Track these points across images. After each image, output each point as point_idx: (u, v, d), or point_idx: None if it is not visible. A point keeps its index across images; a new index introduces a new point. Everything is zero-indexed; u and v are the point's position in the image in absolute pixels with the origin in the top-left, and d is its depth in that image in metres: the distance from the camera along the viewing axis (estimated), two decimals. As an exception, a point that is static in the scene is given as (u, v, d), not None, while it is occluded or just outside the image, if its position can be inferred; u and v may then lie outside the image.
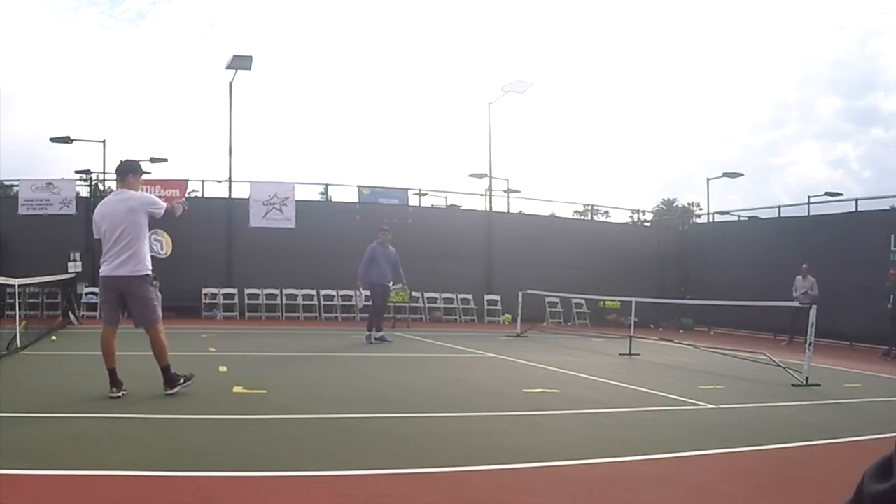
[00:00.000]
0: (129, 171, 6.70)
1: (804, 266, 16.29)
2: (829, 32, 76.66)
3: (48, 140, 21.85)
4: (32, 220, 17.35)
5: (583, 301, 19.68)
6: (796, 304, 13.18)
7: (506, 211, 22.54)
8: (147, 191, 18.12)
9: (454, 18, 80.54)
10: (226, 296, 18.01)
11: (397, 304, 16.91)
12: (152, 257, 6.73)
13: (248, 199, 18.78)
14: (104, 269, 6.42)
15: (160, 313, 6.55)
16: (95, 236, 6.62)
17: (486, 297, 19.97)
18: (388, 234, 12.43)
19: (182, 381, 6.54)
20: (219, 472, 4.02)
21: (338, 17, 79.73)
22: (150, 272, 6.51)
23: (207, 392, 6.77)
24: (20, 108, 67.48)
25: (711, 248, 21.28)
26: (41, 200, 17.62)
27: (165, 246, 7.60)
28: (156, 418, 5.51)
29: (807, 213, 19.75)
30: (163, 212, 6.53)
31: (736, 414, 6.80)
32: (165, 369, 6.45)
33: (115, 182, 8.04)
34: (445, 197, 22.75)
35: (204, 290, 17.86)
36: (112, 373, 6.30)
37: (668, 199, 51.80)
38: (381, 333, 12.17)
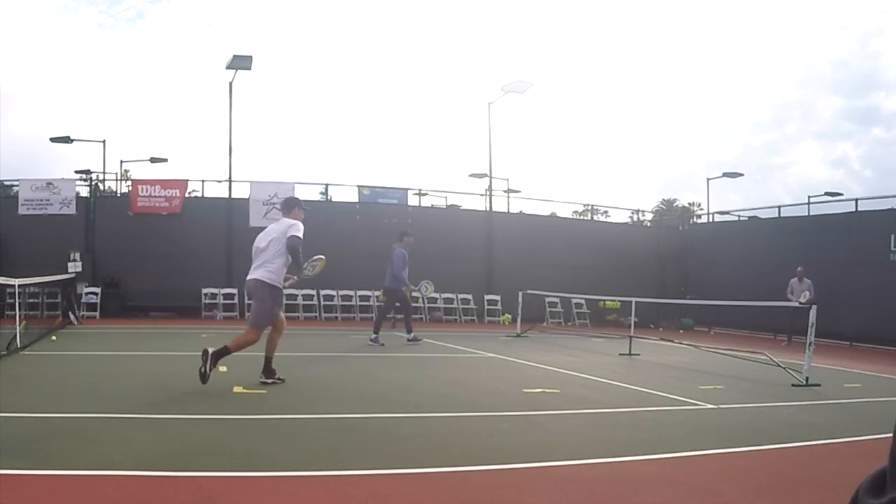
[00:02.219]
0: (293, 206, 7.74)
1: (799, 269, 16.17)
2: (830, 32, 76.69)
3: (48, 140, 21.95)
4: (32, 220, 17.34)
5: (583, 301, 19.68)
6: (796, 303, 13.17)
7: (506, 211, 22.55)
8: (147, 190, 18.34)
9: (454, 18, 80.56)
10: (226, 296, 18.01)
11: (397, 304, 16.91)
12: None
13: (248, 199, 18.77)
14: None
15: (265, 323, 7.28)
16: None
17: (486, 297, 19.96)
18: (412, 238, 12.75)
19: (203, 370, 6.75)
20: (219, 472, 4.02)
21: (338, 17, 79.74)
22: (277, 285, 7.24)
23: (207, 392, 6.76)
24: (20, 108, 67.51)
25: (711, 248, 21.28)
26: (41, 200, 17.62)
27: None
28: (156, 418, 5.51)
29: (807, 213, 19.75)
30: (296, 242, 7.20)
31: (736, 414, 6.80)
32: (221, 352, 6.91)
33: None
34: (445, 197, 22.79)
35: (204, 290, 17.85)
36: (268, 361, 7.23)
37: (668, 199, 51.88)
38: (376, 336, 12.17)
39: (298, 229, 7.28)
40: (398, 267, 12.28)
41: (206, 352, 6.81)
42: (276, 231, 7.36)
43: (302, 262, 7.34)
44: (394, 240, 12.90)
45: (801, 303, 14.36)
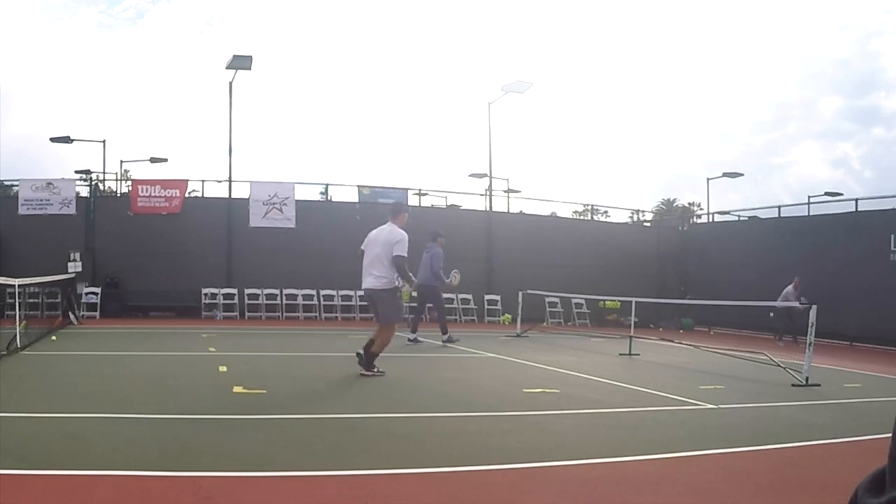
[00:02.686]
0: (399, 210, 8.57)
1: (797, 279, 16.00)
2: (830, 31, 76.61)
3: (48, 140, 21.95)
4: (32, 220, 17.33)
5: (583, 301, 19.67)
6: (796, 304, 13.18)
7: (506, 211, 22.55)
8: (147, 190, 18.32)
9: (454, 18, 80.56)
10: (226, 296, 18.00)
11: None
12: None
13: (248, 199, 18.77)
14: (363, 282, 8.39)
15: (398, 317, 8.51)
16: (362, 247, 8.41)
17: (486, 297, 19.96)
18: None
19: (375, 370, 7.98)
20: (219, 472, 4.02)
21: (338, 16, 79.76)
22: (387, 287, 8.12)
23: (207, 392, 6.77)
24: (20, 107, 67.48)
25: (711, 248, 21.28)
26: (41, 200, 17.61)
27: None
28: (156, 418, 5.51)
29: (807, 213, 19.75)
30: (400, 262, 8.06)
31: (736, 414, 6.80)
32: (371, 354, 8.01)
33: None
34: (445, 197, 22.80)
35: (204, 290, 17.85)
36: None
37: (668, 199, 51.85)
38: (414, 335, 12.55)
39: (403, 247, 8.06)
40: (438, 266, 12.57)
41: (358, 354, 8.01)
42: (381, 240, 8.16)
43: (409, 276, 8.27)
44: (427, 239, 13.02)
45: (802, 302, 14.36)
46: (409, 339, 12.49)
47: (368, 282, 8.24)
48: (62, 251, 16.57)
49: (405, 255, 8.05)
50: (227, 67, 18.46)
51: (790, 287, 16.08)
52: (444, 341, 12.45)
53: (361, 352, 8.03)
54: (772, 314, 15.18)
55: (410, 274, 8.33)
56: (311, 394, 7.17)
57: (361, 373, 7.96)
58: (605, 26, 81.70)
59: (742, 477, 4.45)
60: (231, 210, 18.77)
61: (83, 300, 16.38)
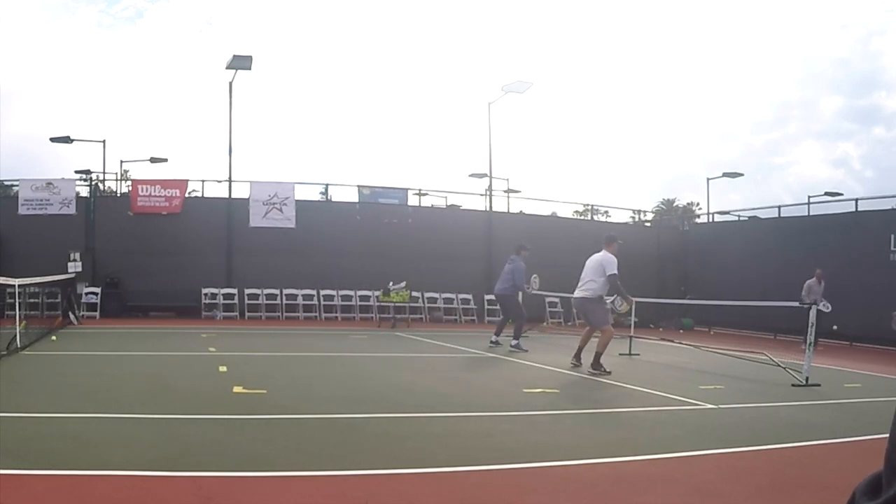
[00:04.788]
0: (611, 241, 9.79)
1: (819, 271, 15.35)
2: (831, 31, 76.44)
3: (48, 140, 21.95)
4: (32, 220, 17.33)
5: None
6: (803, 303, 13.11)
7: (506, 211, 22.54)
8: (147, 190, 18.36)
9: (454, 18, 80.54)
10: (226, 296, 18.00)
11: (397, 304, 16.93)
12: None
13: (248, 199, 18.77)
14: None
15: (607, 320, 9.59)
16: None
17: (487, 297, 19.92)
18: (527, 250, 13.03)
19: (602, 370, 8.90)
20: (219, 472, 4.03)
21: (338, 16, 79.73)
22: (594, 296, 9.51)
23: (207, 392, 6.77)
24: (19, 107, 67.35)
25: (711, 248, 21.27)
26: (41, 200, 17.61)
27: (623, 305, 10.38)
28: (156, 418, 5.51)
29: (807, 213, 19.75)
30: (614, 279, 9.42)
31: (736, 414, 6.80)
32: (598, 355, 9.10)
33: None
34: (445, 197, 22.78)
35: (204, 290, 17.86)
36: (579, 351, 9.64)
37: (669, 199, 51.80)
38: (517, 341, 12.22)
39: (613, 266, 9.37)
40: (521, 279, 12.64)
41: (596, 365, 9.03)
42: (595, 261, 9.60)
43: (623, 291, 9.69)
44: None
45: (824, 307, 13.98)
46: (491, 342, 12.48)
47: (578, 293, 9.70)
48: (62, 251, 16.57)
49: (616, 272, 9.40)
50: (227, 67, 18.47)
51: (812, 280, 15.31)
52: (512, 345, 12.11)
53: (575, 361, 9.50)
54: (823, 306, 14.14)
55: (623, 291, 9.77)
56: (311, 394, 7.17)
57: (589, 370, 9.04)
58: (605, 26, 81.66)
59: (742, 477, 4.45)
60: (231, 210, 18.77)
61: (83, 300, 16.38)
